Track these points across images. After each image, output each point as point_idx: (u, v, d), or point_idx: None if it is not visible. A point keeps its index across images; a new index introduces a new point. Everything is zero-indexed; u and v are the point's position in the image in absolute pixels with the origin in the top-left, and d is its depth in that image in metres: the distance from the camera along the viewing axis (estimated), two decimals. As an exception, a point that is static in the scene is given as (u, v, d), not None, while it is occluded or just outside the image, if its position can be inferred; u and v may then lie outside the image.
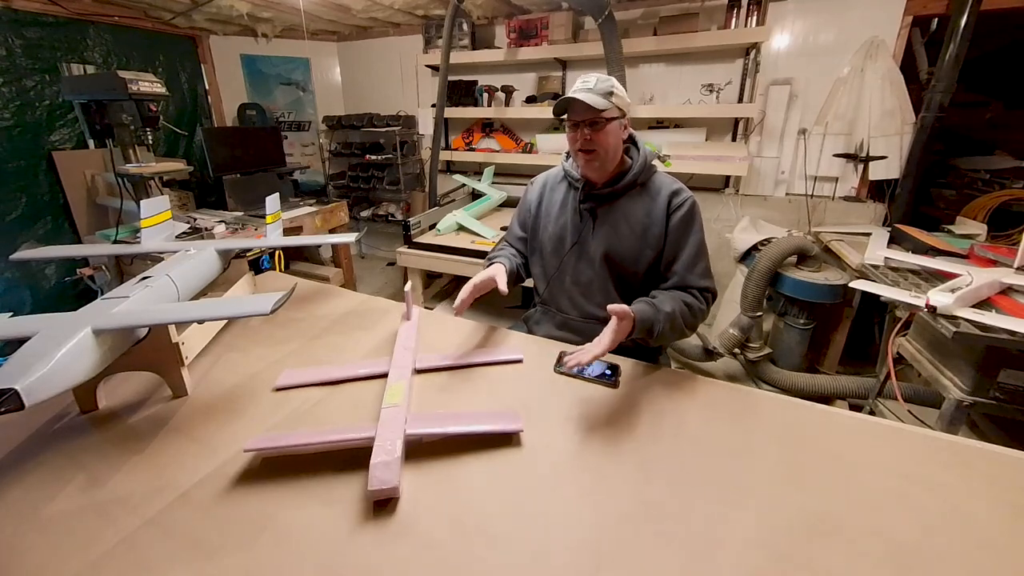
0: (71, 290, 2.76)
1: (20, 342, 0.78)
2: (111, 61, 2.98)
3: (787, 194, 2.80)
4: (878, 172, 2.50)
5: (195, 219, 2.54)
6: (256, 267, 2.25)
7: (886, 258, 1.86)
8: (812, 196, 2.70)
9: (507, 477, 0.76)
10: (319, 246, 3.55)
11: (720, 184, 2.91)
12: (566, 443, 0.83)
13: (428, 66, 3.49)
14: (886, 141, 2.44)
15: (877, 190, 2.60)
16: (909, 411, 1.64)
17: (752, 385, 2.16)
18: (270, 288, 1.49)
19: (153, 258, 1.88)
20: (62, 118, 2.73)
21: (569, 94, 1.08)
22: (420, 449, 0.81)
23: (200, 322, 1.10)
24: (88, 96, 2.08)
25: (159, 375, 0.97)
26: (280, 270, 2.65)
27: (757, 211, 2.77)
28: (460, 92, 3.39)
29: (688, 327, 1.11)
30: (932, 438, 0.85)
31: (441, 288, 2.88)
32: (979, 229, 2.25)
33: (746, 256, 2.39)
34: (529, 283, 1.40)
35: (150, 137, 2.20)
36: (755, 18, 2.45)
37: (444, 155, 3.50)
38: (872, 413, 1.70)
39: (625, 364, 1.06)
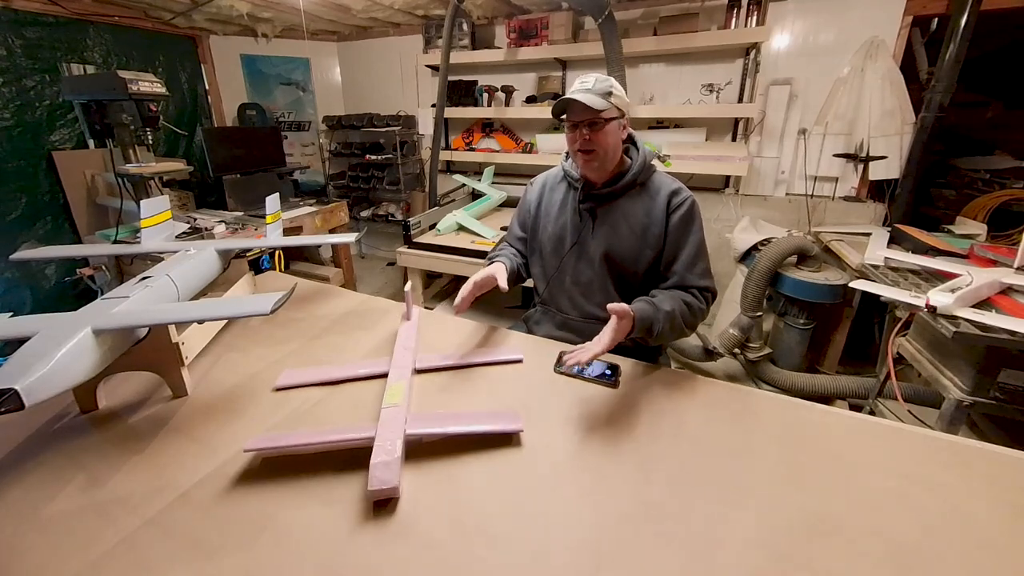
0: (71, 290, 2.76)
1: (20, 342, 0.78)
2: (111, 61, 2.98)
3: (787, 194, 2.80)
4: (878, 172, 2.50)
5: (195, 219, 2.54)
6: (256, 267, 2.25)
7: (886, 258, 1.86)
8: (812, 196, 2.70)
9: (507, 477, 0.76)
10: (319, 246, 3.55)
11: (720, 184, 2.91)
12: (566, 443, 0.83)
13: (428, 66, 3.49)
14: (886, 141, 2.44)
15: (877, 190, 2.60)
16: (909, 411, 1.64)
17: (752, 385, 2.16)
18: (270, 288, 1.49)
19: (153, 258, 1.88)
20: (62, 118, 2.73)
21: (568, 95, 1.09)
22: (420, 449, 0.81)
23: (200, 322, 1.10)
24: (88, 96, 2.08)
25: (159, 375, 0.97)
26: (280, 270, 2.65)
27: (757, 211, 2.77)
28: (460, 92, 3.39)
29: (688, 326, 1.11)
30: (932, 438, 0.85)
31: (441, 288, 2.88)
32: (979, 229, 2.25)
33: (746, 256, 2.39)
34: (529, 283, 1.40)
35: (150, 137, 2.20)
36: (755, 18, 2.45)
37: (444, 155, 3.50)
38: (872, 413, 1.70)
39: (625, 364, 1.06)
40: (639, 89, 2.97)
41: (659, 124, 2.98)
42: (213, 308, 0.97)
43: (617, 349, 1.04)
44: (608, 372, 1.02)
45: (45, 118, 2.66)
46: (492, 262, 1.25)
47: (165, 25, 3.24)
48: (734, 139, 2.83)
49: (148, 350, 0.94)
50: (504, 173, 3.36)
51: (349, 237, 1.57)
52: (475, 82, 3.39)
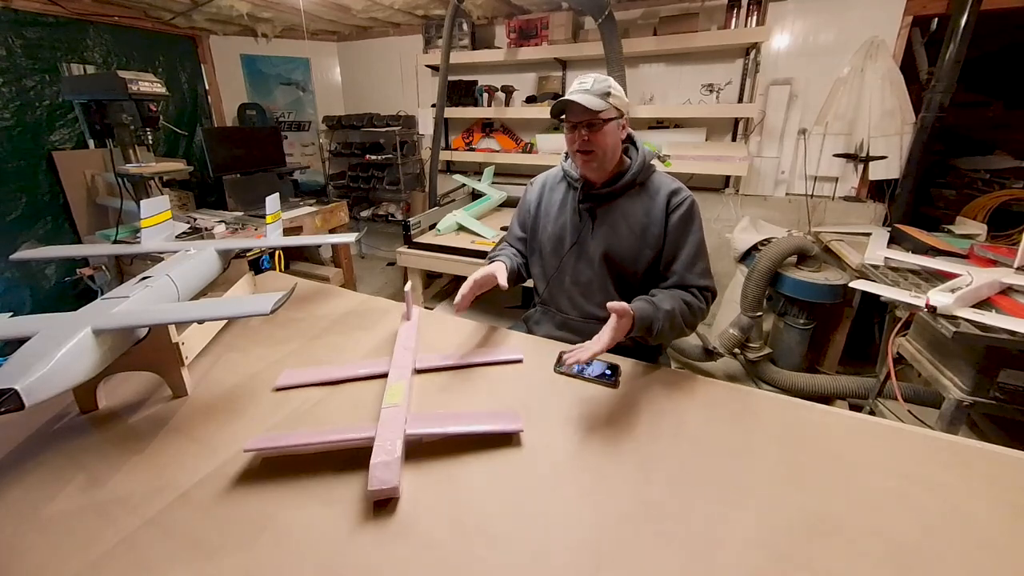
0: (71, 290, 2.76)
1: (20, 342, 0.78)
2: (111, 61, 2.98)
3: (787, 194, 2.80)
4: (878, 172, 2.50)
5: (195, 219, 2.54)
6: (256, 267, 2.25)
7: (886, 258, 1.86)
8: (812, 196, 2.70)
9: (507, 477, 0.76)
10: (319, 246, 3.55)
11: (720, 184, 2.91)
12: (566, 443, 0.83)
13: (428, 66, 3.49)
14: (886, 141, 2.44)
15: (877, 190, 2.60)
16: (909, 411, 1.64)
17: (752, 385, 2.16)
18: (270, 288, 1.49)
19: (153, 258, 1.88)
20: (62, 118, 2.73)
21: (566, 96, 1.09)
22: (420, 449, 0.81)
23: (200, 322, 1.10)
24: (88, 96, 2.08)
25: (159, 375, 0.97)
26: (280, 270, 2.65)
27: (757, 211, 2.77)
28: (460, 92, 3.39)
29: (688, 326, 1.11)
30: (932, 438, 0.85)
31: (441, 288, 2.88)
32: (979, 229, 2.25)
33: (746, 256, 2.39)
34: (529, 283, 1.40)
35: (150, 137, 2.20)
36: (755, 18, 2.45)
37: (444, 155, 3.50)
38: (872, 413, 1.70)
39: (625, 364, 1.06)
40: (639, 89, 2.97)
41: (659, 124, 2.98)
42: (213, 308, 0.97)
43: (617, 349, 1.04)
44: (608, 372, 1.02)
45: (45, 118, 2.66)
46: (492, 262, 1.25)
47: (165, 25, 3.24)
48: (734, 139, 2.83)
49: (148, 350, 0.94)
50: (504, 173, 3.36)
51: (349, 237, 1.57)
52: (475, 82, 3.39)
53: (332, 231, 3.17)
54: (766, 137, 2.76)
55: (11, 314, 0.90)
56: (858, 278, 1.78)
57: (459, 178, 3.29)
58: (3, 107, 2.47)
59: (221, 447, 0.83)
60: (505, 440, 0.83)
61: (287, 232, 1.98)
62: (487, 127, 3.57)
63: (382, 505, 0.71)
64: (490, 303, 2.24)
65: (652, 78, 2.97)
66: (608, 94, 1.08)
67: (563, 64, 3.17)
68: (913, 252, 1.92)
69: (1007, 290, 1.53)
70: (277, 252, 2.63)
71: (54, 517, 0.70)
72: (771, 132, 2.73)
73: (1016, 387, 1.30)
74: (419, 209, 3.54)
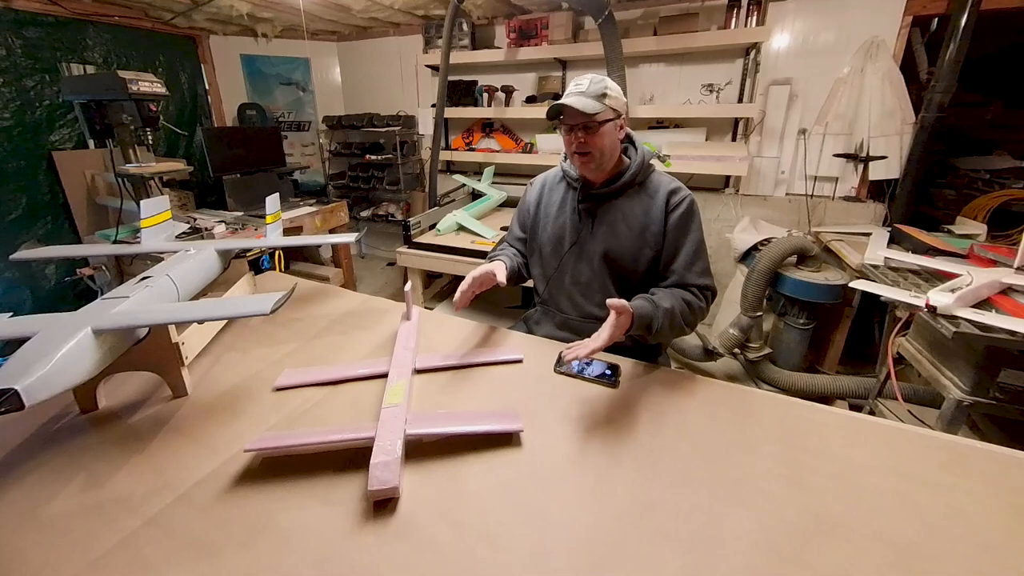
0: (71, 290, 2.77)
1: (20, 342, 0.78)
2: (111, 61, 2.98)
3: (787, 194, 2.79)
4: (878, 172, 2.50)
5: (195, 219, 2.54)
6: (256, 267, 2.25)
7: (886, 258, 1.86)
8: (812, 196, 2.70)
9: (507, 477, 0.76)
10: (319, 246, 3.55)
11: (720, 184, 2.91)
12: (566, 443, 0.83)
13: (428, 66, 3.49)
14: (886, 141, 2.44)
15: (877, 190, 2.60)
16: (909, 411, 1.64)
17: (752, 385, 2.16)
18: (270, 288, 1.49)
19: (153, 258, 1.88)
20: (62, 118, 2.73)
21: (562, 99, 1.09)
22: (420, 449, 0.81)
23: (200, 322, 1.10)
24: (88, 96, 2.08)
25: (159, 375, 0.97)
26: (280, 270, 2.65)
27: (757, 211, 2.77)
28: (460, 92, 3.39)
29: (688, 324, 1.11)
30: (932, 438, 0.85)
31: (441, 288, 2.88)
32: (979, 229, 2.25)
33: (746, 256, 2.39)
34: (529, 283, 1.40)
35: (150, 137, 2.20)
36: (755, 18, 2.44)
37: (444, 155, 3.50)
38: (872, 413, 1.70)
39: (625, 364, 1.07)
40: (639, 89, 2.97)
41: (659, 124, 2.98)
42: (213, 308, 0.97)
43: (617, 349, 1.05)
44: (608, 372, 1.02)
45: (45, 118, 2.66)
46: (492, 262, 1.25)
47: (165, 25, 3.24)
48: (734, 139, 2.83)
49: (148, 350, 0.94)
50: (504, 173, 3.36)
51: (349, 237, 1.57)
52: (475, 82, 3.39)
53: (332, 231, 3.17)
54: (766, 137, 2.75)
55: (11, 314, 0.90)
56: (858, 278, 1.78)
57: (459, 178, 3.29)
58: (3, 107, 2.47)
59: (221, 447, 0.83)
60: (505, 440, 0.83)
61: (287, 232, 1.98)
62: (487, 127, 3.57)
63: (382, 505, 0.71)
64: (490, 303, 2.24)
65: (652, 78, 2.97)
66: (604, 95, 1.08)
67: (563, 64, 3.17)
68: (913, 252, 1.92)
69: (1007, 290, 1.53)
70: (277, 252, 2.63)
71: (54, 517, 0.70)
72: (771, 132, 2.73)
73: (1016, 387, 1.30)
74: (419, 209, 3.54)
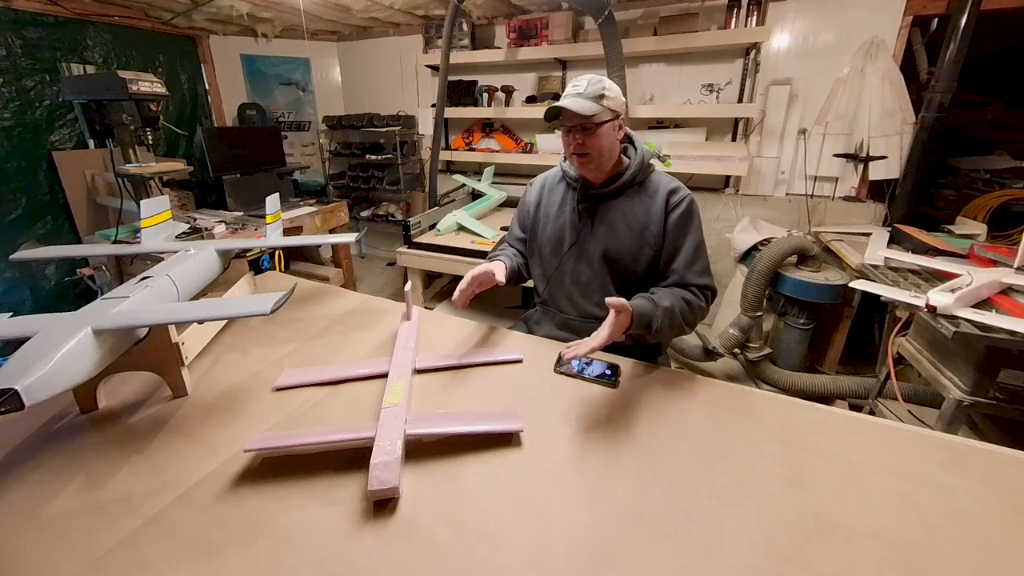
0: (71, 290, 2.77)
1: (20, 342, 0.78)
2: (111, 61, 2.98)
3: (787, 194, 2.79)
4: (878, 172, 2.50)
5: (195, 219, 2.54)
6: (256, 267, 2.25)
7: (886, 258, 1.86)
8: (812, 196, 2.70)
9: (507, 477, 0.76)
10: (319, 246, 3.55)
11: (720, 184, 2.91)
12: (566, 443, 0.83)
13: (428, 66, 3.49)
14: (886, 141, 2.44)
15: (877, 190, 2.60)
16: (909, 411, 1.64)
17: (752, 385, 2.16)
18: (270, 288, 1.49)
19: (153, 258, 1.88)
20: (62, 118, 2.73)
21: (560, 101, 1.09)
22: (420, 449, 0.81)
23: (200, 322, 1.10)
24: (88, 96, 2.08)
25: (159, 375, 0.97)
26: (280, 270, 2.65)
27: (757, 211, 2.77)
28: (460, 92, 3.39)
29: (687, 324, 1.11)
30: (932, 438, 0.85)
31: (441, 288, 2.88)
32: (979, 229, 2.25)
33: (746, 256, 2.39)
34: (529, 283, 1.40)
35: (150, 137, 2.20)
36: (755, 18, 2.45)
37: (444, 155, 3.50)
38: (872, 413, 1.70)
39: (625, 364, 1.07)
40: (639, 89, 2.97)
41: (659, 124, 2.98)
42: (213, 308, 0.97)
43: (617, 349, 1.05)
44: (608, 372, 1.02)
45: (45, 118, 2.66)
46: (492, 262, 1.25)
47: (165, 25, 3.24)
48: (734, 139, 2.83)
49: (148, 350, 0.94)
50: (504, 173, 3.36)
51: (349, 237, 1.57)
52: (475, 82, 3.39)
53: (332, 231, 3.17)
54: (766, 137, 2.76)
55: (11, 314, 0.90)
56: (858, 278, 1.78)
57: (459, 178, 3.29)
58: (3, 107, 2.47)
59: (221, 447, 0.83)
60: (505, 440, 0.83)
61: (287, 232, 1.98)
62: (487, 127, 3.57)
63: (382, 505, 0.71)
64: (490, 303, 2.24)
65: (652, 78, 2.97)
66: (602, 96, 1.08)
67: (563, 64, 3.17)
68: (913, 252, 1.92)
69: (1007, 290, 1.53)
70: (277, 252, 2.63)
71: (54, 517, 0.70)
72: (771, 132, 2.73)
73: (1016, 387, 1.30)
74: (419, 209, 3.54)
